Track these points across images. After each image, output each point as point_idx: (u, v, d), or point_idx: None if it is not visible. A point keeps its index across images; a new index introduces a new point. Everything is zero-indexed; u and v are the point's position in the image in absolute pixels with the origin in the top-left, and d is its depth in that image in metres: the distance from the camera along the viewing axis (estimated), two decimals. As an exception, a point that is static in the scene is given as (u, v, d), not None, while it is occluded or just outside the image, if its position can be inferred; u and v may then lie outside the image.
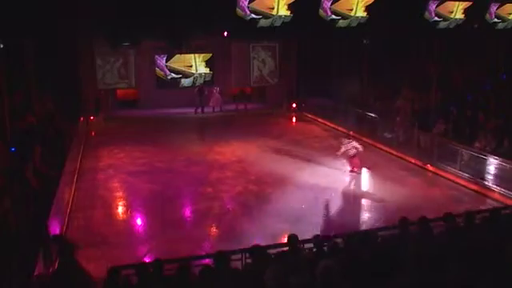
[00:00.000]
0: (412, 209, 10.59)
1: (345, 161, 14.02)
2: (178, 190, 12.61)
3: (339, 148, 14.04)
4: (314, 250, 6.14)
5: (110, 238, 9.68)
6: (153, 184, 12.88)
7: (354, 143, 13.68)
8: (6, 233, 7.76)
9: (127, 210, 11.44)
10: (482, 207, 10.71)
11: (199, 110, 22.64)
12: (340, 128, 19.23)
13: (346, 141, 13.85)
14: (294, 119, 22.28)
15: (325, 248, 6.04)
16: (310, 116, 22.18)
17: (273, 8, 15.48)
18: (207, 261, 6.29)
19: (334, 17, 16.46)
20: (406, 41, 20.03)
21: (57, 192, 10.09)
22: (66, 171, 11.91)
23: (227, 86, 23.66)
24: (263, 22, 15.64)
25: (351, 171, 13.71)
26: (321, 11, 16.20)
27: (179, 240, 9.46)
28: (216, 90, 22.73)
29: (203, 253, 8.48)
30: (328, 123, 20.36)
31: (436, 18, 17.66)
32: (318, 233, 6.33)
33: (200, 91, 22.64)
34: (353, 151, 13.59)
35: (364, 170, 13.91)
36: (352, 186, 12.96)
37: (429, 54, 20.16)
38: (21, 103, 15.76)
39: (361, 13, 16.68)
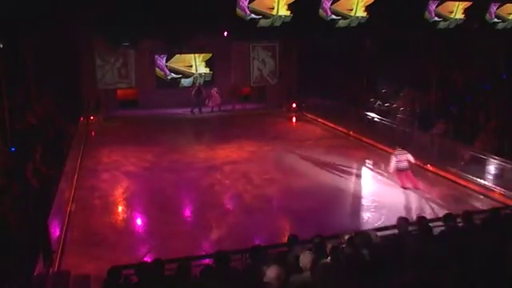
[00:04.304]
0: (412, 209, 10.61)
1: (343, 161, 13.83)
2: (177, 190, 12.60)
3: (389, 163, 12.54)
4: (314, 249, 6.13)
5: (110, 238, 9.68)
6: (153, 184, 12.89)
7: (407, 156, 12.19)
8: (6, 233, 7.75)
9: (127, 210, 11.43)
10: (482, 207, 10.74)
11: (196, 110, 22.63)
12: (340, 128, 19.25)
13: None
14: (294, 119, 22.28)
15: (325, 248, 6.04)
16: (309, 116, 22.18)
17: (273, 8, 15.48)
18: (207, 261, 6.29)
19: (334, 17, 16.45)
20: (406, 41, 20.03)
21: (57, 192, 10.08)
22: (65, 171, 11.90)
23: (227, 86, 23.65)
24: (263, 22, 15.63)
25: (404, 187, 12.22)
26: (321, 11, 16.20)
27: (179, 240, 9.46)
28: (215, 90, 22.72)
29: (203, 253, 8.48)
30: (328, 123, 20.35)
31: (436, 18, 17.65)
32: (318, 233, 6.31)
33: (198, 91, 22.64)
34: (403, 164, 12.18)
35: (364, 170, 13.93)
36: (352, 186, 12.94)
37: (429, 54, 20.15)
38: (21, 103, 15.75)
39: (361, 13, 16.67)
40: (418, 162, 14.41)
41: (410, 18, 17.03)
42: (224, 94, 23.13)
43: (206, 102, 22.70)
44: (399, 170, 12.23)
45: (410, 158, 12.24)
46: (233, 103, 23.41)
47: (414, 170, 13.32)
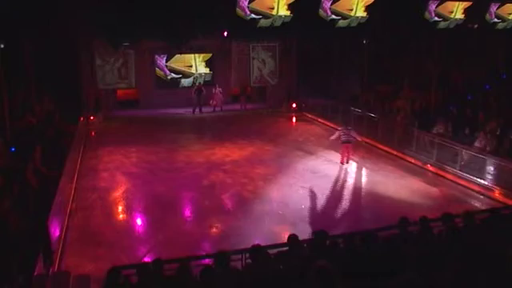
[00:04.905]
0: (412, 209, 10.60)
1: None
2: (177, 190, 12.60)
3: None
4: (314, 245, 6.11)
5: (110, 237, 9.68)
6: (153, 184, 12.88)
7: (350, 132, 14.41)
8: (6, 233, 7.76)
9: (127, 210, 11.42)
10: (482, 207, 10.74)
11: (197, 110, 22.63)
12: (340, 128, 19.23)
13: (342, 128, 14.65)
14: (294, 119, 22.28)
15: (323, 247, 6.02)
16: (309, 116, 22.19)
17: (273, 8, 15.51)
18: (207, 261, 6.29)
19: (334, 17, 16.49)
20: (406, 41, 20.05)
21: (57, 192, 10.08)
22: (65, 171, 11.90)
23: (227, 86, 23.66)
24: (263, 22, 15.66)
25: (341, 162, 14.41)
26: (321, 11, 16.23)
27: (179, 240, 9.46)
28: (218, 89, 22.72)
29: (203, 253, 8.48)
30: (328, 123, 20.34)
31: (436, 18, 17.68)
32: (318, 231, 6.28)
33: (198, 91, 22.64)
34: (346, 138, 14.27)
35: (364, 170, 13.95)
36: (352, 187, 12.93)
37: (429, 54, 20.17)
38: (21, 103, 15.77)
39: (361, 13, 16.71)
40: (418, 162, 14.46)
41: (409, 18, 17.07)
42: (225, 94, 23.17)
43: (211, 101, 22.66)
44: (343, 143, 14.32)
45: (354, 134, 14.47)
46: (241, 103, 23.44)
47: (414, 170, 13.37)
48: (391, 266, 4.72)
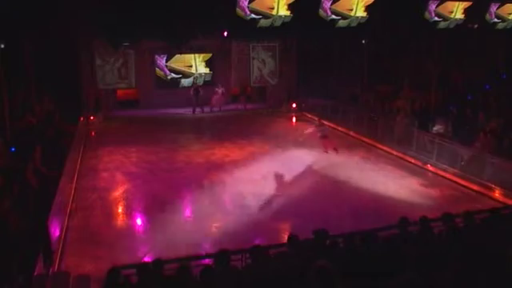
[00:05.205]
0: (412, 209, 10.60)
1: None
2: (177, 190, 12.59)
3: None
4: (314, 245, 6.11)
5: (110, 238, 9.68)
6: (152, 184, 12.88)
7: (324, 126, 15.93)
8: (6, 233, 7.76)
9: (127, 210, 11.42)
10: (482, 207, 10.73)
11: (198, 110, 22.60)
12: (340, 128, 19.25)
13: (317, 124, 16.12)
14: (294, 119, 22.28)
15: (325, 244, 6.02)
16: (309, 116, 22.17)
17: (273, 8, 15.53)
18: (207, 261, 6.29)
19: (334, 17, 16.51)
20: (406, 41, 20.07)
21: (57, 192, 10.08)
22: (65, 171, 11.90)
23: (227, 86, 23.65)
24: (263, 22, 15.68)
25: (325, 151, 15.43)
26: (321, 11, 16.25)
27: (179, 240, 9.46)
28: (221, 89, 22.68)
29: (203, 253, 8.47)
30: (328, 123, 20.32)
31: (436, 18, 17.70)
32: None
33: (196, 91, 22.61)
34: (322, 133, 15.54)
35: (364, 170, 13.95)
36: (352, 186, 12.93)
37: (429, 54, 20.19)
38: (21, 103, 15.78)
39: (361, 13, 16.73)
40: (418, 162, 14.47)
41: (409, 18, 17.09)
42: (225, 94, 23.16)
43: (213, 101, 22.63)
44: (321, 137, 15.59)
45: (326, 128, 16.27)
46: (241, 103, 23.44)
47: (413, 170, 13.41)
48: (391, 266, 4.72)
